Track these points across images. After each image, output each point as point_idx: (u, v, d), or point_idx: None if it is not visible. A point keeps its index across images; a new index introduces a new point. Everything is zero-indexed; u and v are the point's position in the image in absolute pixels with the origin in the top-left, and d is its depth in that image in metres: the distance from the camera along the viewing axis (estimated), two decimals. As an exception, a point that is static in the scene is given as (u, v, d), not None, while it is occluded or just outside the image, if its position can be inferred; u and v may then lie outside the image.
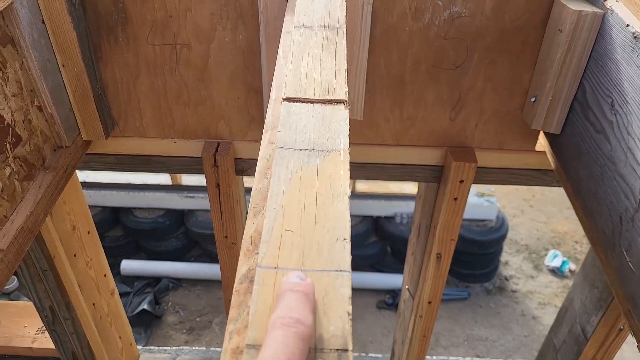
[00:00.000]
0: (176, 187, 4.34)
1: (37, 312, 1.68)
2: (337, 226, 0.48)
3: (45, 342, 1.75)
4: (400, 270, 4.30)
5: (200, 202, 4.30)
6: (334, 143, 0.58)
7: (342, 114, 0.62)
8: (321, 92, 0.66)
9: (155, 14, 1.12)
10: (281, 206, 0.50)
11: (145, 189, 4.34)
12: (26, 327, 1.82)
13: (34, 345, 1.77)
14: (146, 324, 4.19)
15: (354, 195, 4.13)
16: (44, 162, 1.13)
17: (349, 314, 0.41)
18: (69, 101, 1.19)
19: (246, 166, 1.30)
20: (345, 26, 0.79)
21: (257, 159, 1.40)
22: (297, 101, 0.64)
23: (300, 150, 0.57)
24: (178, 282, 4.58)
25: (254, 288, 0.43)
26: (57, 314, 1.55)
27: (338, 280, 0.43)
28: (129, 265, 4.49)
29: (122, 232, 4.52)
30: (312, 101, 0.64)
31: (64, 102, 1.17)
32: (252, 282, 0.50)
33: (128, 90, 1.23)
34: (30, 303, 1.91)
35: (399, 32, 1.10)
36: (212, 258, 4.51)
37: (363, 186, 4.23)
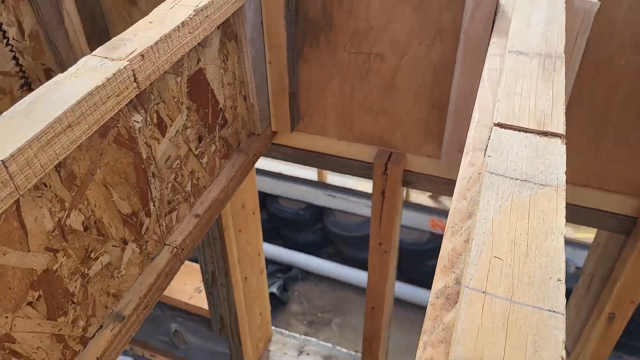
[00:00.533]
0: (321, 184, 4.53)
1: (196, 273, 1.90)
2: (551, 264, 0.46)
3: (200, 301, 1.97)
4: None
5: (340, 203, 4.43)
6: (548, 177, 0.56)
7: (558, 148, 0.60)
8: (536, 122, 0.64)
9: (358, 24, 1.19)
10: (490, 232, 0.50)
11: (293, 180, 4.61)
12: (186, 284, 2.07)
13: (190, 302, 2.00)
14: (271, 307, 4.47)
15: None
16: (239, 145, 1.28)
17: (562, 358, 0.39)
18: (268, 94, 1.32)
19: (414, 179, 1.31)
20: (564, 56, 0.76)
21: (426, 174, 1.40)
22: (509, 128, 0.63)
23: (512, 178, 0.56)
24: (307, 275, 4.79)
25: (461, 307, 0.44)
26: (217, 279, 1.73)
27: (551, 321, 0.42)
28: (266, 249, 4.82)
29: (266, 216, 4.86)
30: (525, 130, 0.63)
31: (264, 95, 1.30)
32: (447, 299, 0.51)
33: (318, 90, 1.32)
34: (191, 264, 2.16)
35: (612, 65, 1.01)
36: (343, 259, 4.62)
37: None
